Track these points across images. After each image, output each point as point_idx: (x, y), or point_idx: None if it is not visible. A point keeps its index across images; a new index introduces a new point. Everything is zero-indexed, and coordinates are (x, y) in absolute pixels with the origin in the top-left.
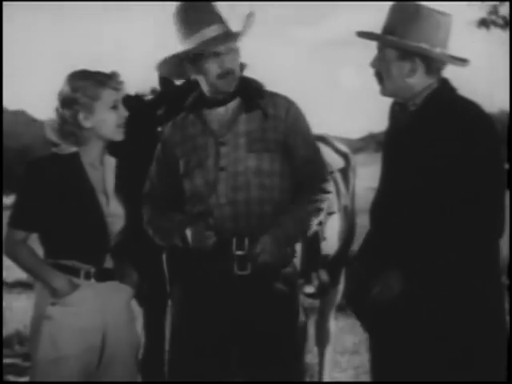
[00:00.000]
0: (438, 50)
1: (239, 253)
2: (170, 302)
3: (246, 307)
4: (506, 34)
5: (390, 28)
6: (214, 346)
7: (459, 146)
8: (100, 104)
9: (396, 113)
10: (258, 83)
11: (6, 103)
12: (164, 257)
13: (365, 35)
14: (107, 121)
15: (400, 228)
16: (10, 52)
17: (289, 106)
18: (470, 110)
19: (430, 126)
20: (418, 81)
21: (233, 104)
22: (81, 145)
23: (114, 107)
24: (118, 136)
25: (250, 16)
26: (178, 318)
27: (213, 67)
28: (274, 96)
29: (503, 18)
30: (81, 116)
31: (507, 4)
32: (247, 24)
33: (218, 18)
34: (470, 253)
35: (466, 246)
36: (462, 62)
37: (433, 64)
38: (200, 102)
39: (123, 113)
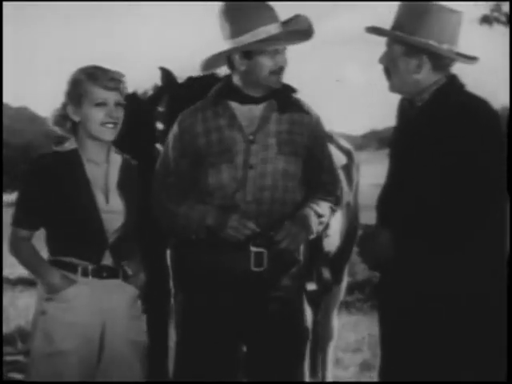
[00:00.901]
0: (445, 46)
1: (256, 249)
2: (174, 300)
3: (257, 303)
4: (508, 31)
5: (399, 24)
6: (224, 342)
7: (464, 142)
8: (87, 100)
9: (404, 109)
10: (292, 87)
11: (8, 100)
12: (168, 253)
13: (373, 30)
14: (91, 117)
15: (406, 223)
16: (13, 49)
17: (314, 113)
18: (476, 106)
19: (436, 121)
20: (425, 77)
21: (264, 102)
22: (67, 135)
23: (101, 105)
24: (104, 135)
25: (304, 17)
26: (189, 314)
27: (269, 63)
28: (301, 102)
29: (506, 14)
30: (69, 108)
31: (508, 3)
32: (310, 24)
33: (276, 16)
34: (475, 250)
35: (471, 243)
36: (470, 59)
37: (440, 60)
38: (228, 94)
39: (114, 113)
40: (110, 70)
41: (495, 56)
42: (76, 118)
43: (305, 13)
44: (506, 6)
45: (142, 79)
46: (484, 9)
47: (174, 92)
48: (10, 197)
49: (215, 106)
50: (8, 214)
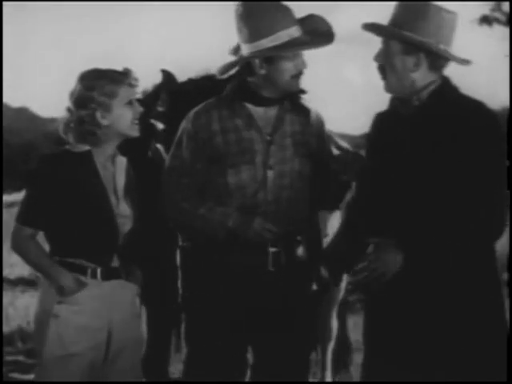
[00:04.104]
0: (442, 46)
1: (274, 249)
2: (182, 300)
3: (274, 302)
4: (508, 30)
5: (397, 22)
6: (235, 342)
7: (466, 141)
8: (117, 101)
9: (396, 107)
10: (302, 89)
11: (8, 100)
12: (178, 255)
13: (371, 28)
14: (124, 117)
15: (412, 230)
16: (12, 49)
17: (317, 113)
18: (476, 107)
19: (436, 121)
20: (421, 76)
21: (278, 104)
22: (98, 144)
23: (130, 103)
24: (134, 132)
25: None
26: (201, 314)
27: (290, 67)
28: (306, 103)
29: (506, 14)
30: (98, 114)
31: (507, 3)
32: (329, 25)
33: (295, 18)
34: (468, 250)
35: (465, 244)
36: (464, 61)
37: (436, 60)
38: (243, 95)
39: (138, 109)
40: (122, 69)
41: (495, 57)
42: (105, 123)
43: (305, 12)
44: (505, 6)
45: (141, 79)
46: (483, 9)
47: (175, 92)
48: (9, 197)
49: (231, 106)
50: (8, 215)
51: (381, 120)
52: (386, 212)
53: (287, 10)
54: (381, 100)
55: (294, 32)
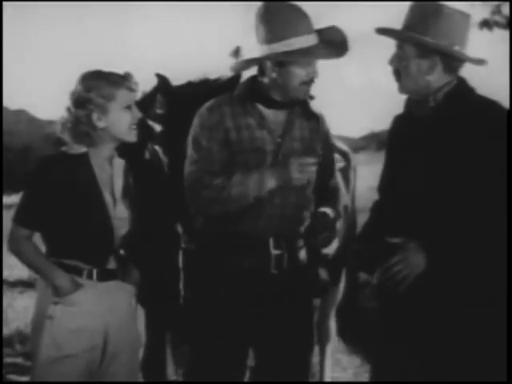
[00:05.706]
0: (457, 48)
1: (277, 252)
2: (184, 301)
3: (276, 304)
4: (507, 33)
5: (411, 25)
6: (236, 343)
7: (482, 142)
8: (114, 104)
9: (411, 109)
10: (311, 95)
11: (7, 102)
12: (181, 255)
13: (385, 32)
14: (121, 121)
15: (438, 232)
16: (11, 51)
17: (324, 119)
18: (492, 107)
19: (452, 122)
20: (437, 78)
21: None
22: (93, 145)
23: (128, 108)
24: (131, 137)
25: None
26: (203, 315)
27: (301, 73)
28: (315, 109)
29: (505, 17)
30: (94, 116)
31: (507, 4)
32: (345, 39)
33: (311, 27)
34: (482, 252)
35: (480, 246)
36: (480, 61)
37: (451, 62)
38: (254, 96)
39: (136, 114)
40: (123, 72)
41: (494, 59)
42: (101, 125)
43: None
44: (505, 7)
45: (141, 82)
46: (482, 10)
47: (172, 95)
48: (8, 199)
49: (243, 104)
50: (7, 216)
51: (398, 122)
52: (405, 214)
53: (305, 17)
54: (380, 101)
55: (309, 40)
